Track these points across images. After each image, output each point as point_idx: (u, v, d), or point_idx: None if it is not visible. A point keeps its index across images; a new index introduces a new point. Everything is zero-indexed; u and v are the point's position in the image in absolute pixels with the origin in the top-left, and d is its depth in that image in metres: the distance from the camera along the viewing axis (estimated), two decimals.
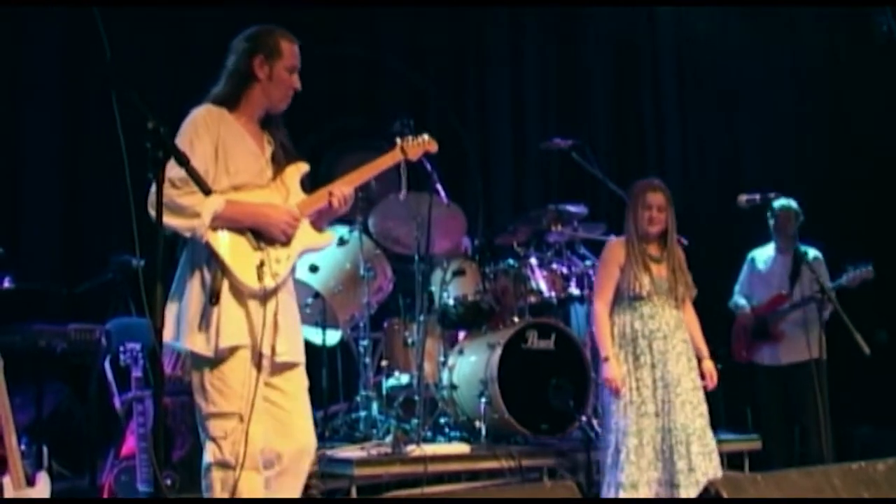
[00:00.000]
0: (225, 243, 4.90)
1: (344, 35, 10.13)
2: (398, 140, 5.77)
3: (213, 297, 4.83)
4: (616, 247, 7.17)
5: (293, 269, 5.22)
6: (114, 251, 7.91)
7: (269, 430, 5.02)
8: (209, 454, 4.93)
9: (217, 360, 4.88)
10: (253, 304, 4.92)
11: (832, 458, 7.17)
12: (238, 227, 4.95)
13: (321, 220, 5.39)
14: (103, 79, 4.00)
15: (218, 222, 4.87)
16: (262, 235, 5.00)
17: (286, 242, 5.07)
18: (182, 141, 4.85)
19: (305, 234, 5.19)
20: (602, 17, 12.20)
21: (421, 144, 5.86)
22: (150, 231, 4.21)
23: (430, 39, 11.08)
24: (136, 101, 3.92)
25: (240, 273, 4.88)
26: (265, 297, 4.94)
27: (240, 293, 4.91)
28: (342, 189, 5.29)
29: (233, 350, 4.87)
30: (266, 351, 4.94)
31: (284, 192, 5.21)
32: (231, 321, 4.87)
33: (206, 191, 4.30)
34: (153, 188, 4.34)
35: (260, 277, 4.90)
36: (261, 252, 4.97)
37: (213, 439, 4.91)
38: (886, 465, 4.53)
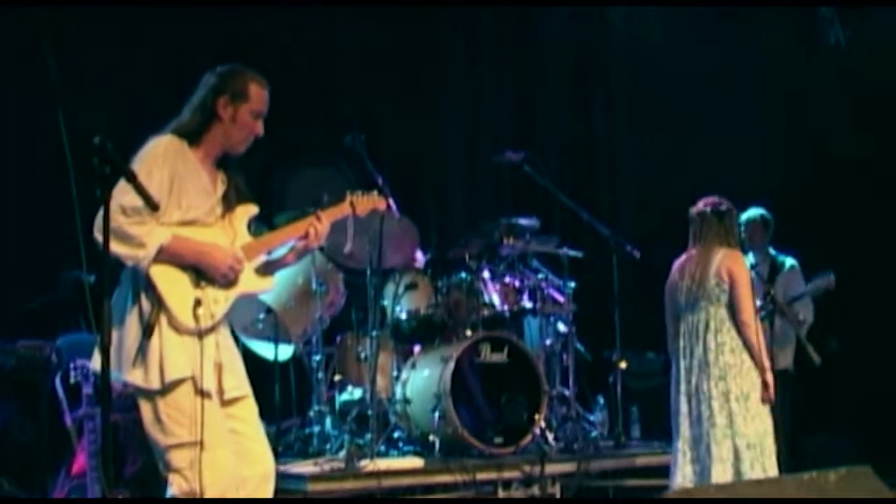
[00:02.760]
0: (165, 278, 4.87)
1: (296, 43, 10.13)
2: (348, 194, 5.71)
3: (147, 330, 4.81)
4: (745, 263, 7.28)
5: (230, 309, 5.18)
6: (64, 268, 7.87)
7: (235, 458, 5.02)
8: (174, 486, 4.88)
9: (167, 390, 4.84)
10: (191, 340, 4.88)
11: (785, 467, 7.23)
12: (181, 263, 4.93)
13: (270, 267, 5.40)
14: (50, 93, 3.95)
15: (162, 256, 4.84)
16: (203, 274, 4.98)
17: (226, 285, 5.05)
18: (140, 167, 4.80)
19: (246, 277, 5.15)
20: (555, 29, 12.25)
21: (370, 201, 5.79)
22: (99, 248, 4.18)
23: (383, 51, 11.07)
24: (82, 115, 3.90)
25: (176, 309, 4.85)
26: (201, 334, 4.90)
27: (177, 327, 4.88)
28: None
29: (181, 381, 4.84)
30: (210, 388, 4.92)
31: (231, 234, 5.19)
32: (174, 353, 4.83)
33: (154, 207, 4.28)
34: (100, 212, 4.33)
35: (196, 316, 4.87)
36: (200, 291, 4.95)
37: (178, 471, 4.87)
38: (838, 474, 4.56)
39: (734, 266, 7.16)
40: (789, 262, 8.96)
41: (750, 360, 7.07)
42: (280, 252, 5.42)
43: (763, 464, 6.93)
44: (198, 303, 4.89)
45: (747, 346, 7.08)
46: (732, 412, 6.99)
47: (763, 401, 7.04)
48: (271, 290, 5.50)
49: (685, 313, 7.32)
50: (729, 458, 6.93)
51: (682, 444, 7.15)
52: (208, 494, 4.81)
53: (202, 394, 4.86)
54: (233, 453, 4.98)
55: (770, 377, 7.05)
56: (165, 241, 4.83)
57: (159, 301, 4.84)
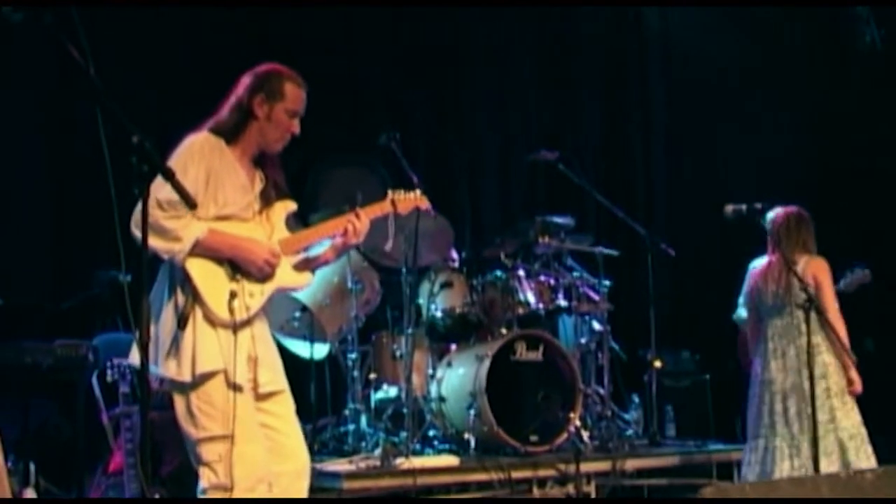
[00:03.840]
0: (201, 270, 4.94)
1: (325, 45, 10.13)
2: (390, 192, 5.77)
3: (181, 322, 4.87)
4: (827, 268, 7.63)
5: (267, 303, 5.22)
6: (100, 267, 7.91)
7: (267, 453, 5.06)
8: (204, 480, 4.93)
9: (198, 383, 4.90)
10: (225, 333, 4.94)
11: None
12: (217, 257, 4.99)
13: (310, 264, 5.45)
14: (87, 93, 3.97)
15: (198, 249, 4.91)
16: (239, 268, 5.04)
17: (262, 279, 5.10)
18: (176, 162, 4.89)
19: (283, 272, 5.21)
20: (590, 29, 12.23)
21: (412, 200, 5.85)
22: (136, 247, 4.20)
23: (417, 50, 11.08)
24: (120, 115, 3.91)
25: (211, 302, 4.91)
26: (236, 327, 4.95)
27: (212, 320, 4.93)
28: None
29: (212, 374, 4.89)
30: (243, 382, 4.96)
31: (269, 229, 5.26)
32: (207, 346, 4.89)
33: (192, 205, 4.29)
34: (138, 207, 4.38)
35: (231, 309, 4.92)
36: (235, 284, 5.00)
37: (208, 464, 4.92)
38: (875, 473, 4.53)
39: (819, 273, 7.49)
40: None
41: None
42: (318, 249, 5.46)
43: (866, 450, 7.32)
44: (233, 295, 4.94)
45: (835, 346, 7.40)
46: (833, 407, 7.33)
47: (851, 394, 7.41)
48: (308, 285, 5.53)
49: (773, 317, 7.63)
50: (834, 451, 7.26)
51: (780, 442, 7.41)
52: (238, 489, 4.85)
53: (234, 387, 4.90)
54: (264, 448, 5.02)
55: (855, 373, 7.40)
56: (202, 235, 4.89)
57: (195, 294, 4.90)
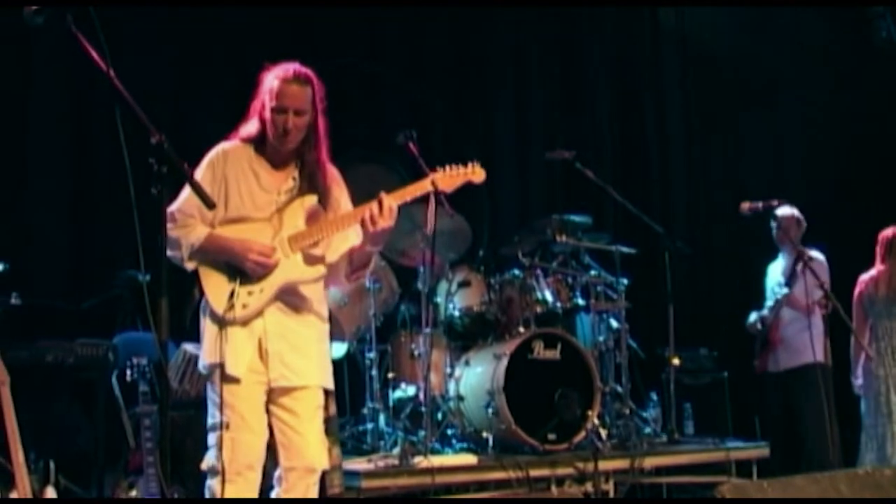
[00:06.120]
0: (208, 273, 5.22)
1: (345, 44, 10.14)
2: (432, 171, 5.73)
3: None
4: None
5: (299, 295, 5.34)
6: (120, 267, 7.94)
7: (279, 449, 5.25)
8: (203, 463, 5.16)
9: (209, 375, 5.21)
10: (231, 329, 5.14)
11: (839, 463, 7.26)
12: (216, 260, 5.20)
13: (357, 256, 5.56)
14: (107, 93, 4.00)
15: (198, 255, 5.18)
16: (239, 268, 5.19)
17: (259, 276, 5.18)
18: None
19: (290, 266, 5.26)
20: (606, 27, 12.24)
21: (461, 175, 5.77)
22: (155, 246, 4.22)
23: (434, 50, 11.09)
24: (140, 115, 3.93)
25: (213, 301, 5.17)
26: (244, 324, 5.16)
27: (217, 318, 5.16)
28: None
29: (215, 366, 5.11)
30: (248, 374, 5.15)
31: (278, 227, 5.31)
32: (208, 341, 5.18)
33: (210, 205, 4.38)
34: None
35: (228, 307, 5.12)
36: (235, 283, 5.17)
37: (209, 449, 5.15)
38: (893, 470, 4.52)
39: None
40: (814, 254, 8.96)
41: None
42: (343, 244, 5.44)
43: None
44: (232, 294, 5.13)
45: None
46: None
47: None
48: (317, 276, 5.45)
49: (882, 319, 8.50)
50: None
51: (893, 428, 8.25)
52: (227, 471, 5.03)
53: (232, 379, 5.09)
54: (262, 439, 5.21)
55: None
56: (197, 243, 5.16)
57: (202, 293, 5.20)
